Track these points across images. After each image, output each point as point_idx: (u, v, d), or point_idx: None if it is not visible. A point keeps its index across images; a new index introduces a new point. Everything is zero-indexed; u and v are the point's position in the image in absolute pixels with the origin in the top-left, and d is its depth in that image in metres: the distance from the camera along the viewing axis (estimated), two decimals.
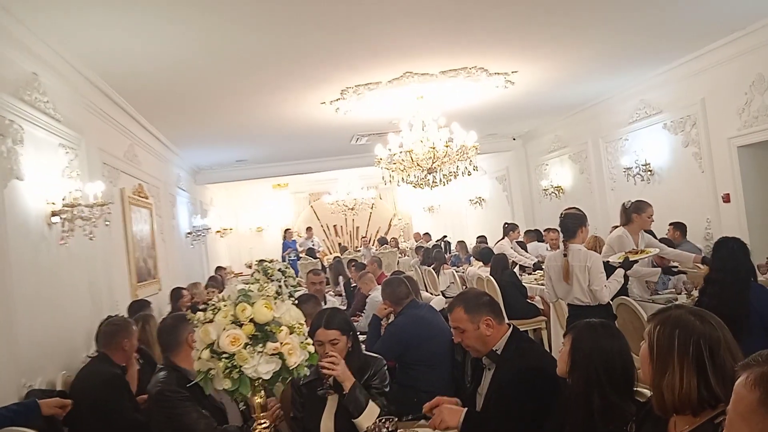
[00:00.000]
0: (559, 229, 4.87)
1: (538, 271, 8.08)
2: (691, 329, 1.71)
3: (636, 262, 4.87)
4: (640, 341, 1.85)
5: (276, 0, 4.05)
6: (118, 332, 3.66)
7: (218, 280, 9.06)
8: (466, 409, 2.49)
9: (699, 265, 5.14)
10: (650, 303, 4.95)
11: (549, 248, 8.38)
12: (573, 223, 4.61)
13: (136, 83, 5.52)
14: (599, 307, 4.41)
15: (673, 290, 5.37)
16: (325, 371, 2.60)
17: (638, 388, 2.19)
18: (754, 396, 1.18)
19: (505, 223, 10.36)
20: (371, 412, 2.62)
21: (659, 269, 5.34)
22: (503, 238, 10.00)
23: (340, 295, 7.90)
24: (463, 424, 2.43)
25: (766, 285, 4.74)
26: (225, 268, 11.62)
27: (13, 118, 3.78)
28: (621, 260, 4.74)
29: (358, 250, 14.58)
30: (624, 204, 5.39)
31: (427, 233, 14.73)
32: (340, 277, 8.68)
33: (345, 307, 6.88)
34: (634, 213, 5.24)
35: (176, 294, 6.58)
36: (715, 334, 1.71)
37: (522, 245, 9.68)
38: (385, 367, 2.90)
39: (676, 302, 4.75)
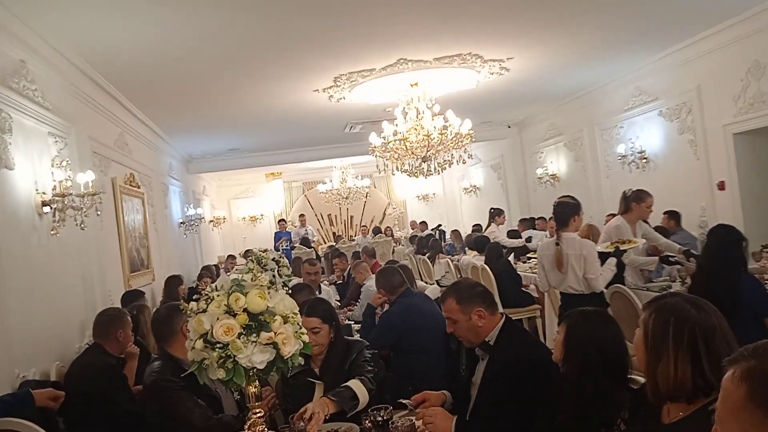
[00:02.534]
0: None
1: (532, 260, 8.09)
2: (686, 317, 1.71)
3: (625, 251, 4.86)
4: (635, 329, 1.84)
5: None
6: (111, 322, 3.65)
7: (212, 269, 9.05)
8: (455, 417, 2.47)
9: (683, 257, 5.14)
10: (645, 291, 4.96)
11: (548, 236, 8.38)
12: (565, 211, 4.61)
13: (125, 70, 5.45)
14: (592, 296, 4.42)
15: (668, 278, 5.38)
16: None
17: (632, 376, 2.19)
18: (742, 391, 1.17)
19: (491, 209, 10.42)
20: (360, 391, 2.62)
21: (656, 258, 5.34)
22: (489, 224, 10.06)
23: (335, 284, 7.90)
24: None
25: (761, 272, 4.77)
26: (235, 257, 11.53)
27: (0, 107, 3.73)
28: (611, 249, 4.74)
29: (353, 240, 14.57)
30: (625, 192, 5.36)
31: (423, 222, 14.73)
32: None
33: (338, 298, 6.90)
34: (633, 202, 5.21)
35: (175, 281, 6.54)
36: (710, 322, 1.71)
37: (516, 234, 9.70)
38: (367, 349, 2.94)
39: (671, 290, 4.76)
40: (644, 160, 8.11)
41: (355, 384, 2.64)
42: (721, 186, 6.81)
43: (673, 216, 6.84)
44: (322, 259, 11.84)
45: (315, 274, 6.03)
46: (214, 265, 10.64)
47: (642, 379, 1.99)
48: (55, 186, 4.20)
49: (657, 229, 5.83)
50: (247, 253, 4.30)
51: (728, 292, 3.58)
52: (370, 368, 2.79)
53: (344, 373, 2.76)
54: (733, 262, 3.82)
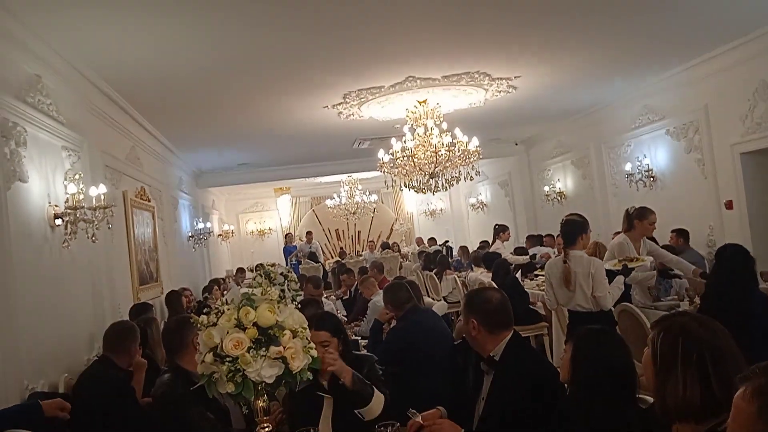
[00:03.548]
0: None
1: (539, 277, 8.07)
2: (694, 337, 1.71)
3: (633, 269, 4.85)
4: (643, 348, 1.84)
5: (279, 4, 4.07)
6: (127, 336, 3.69)
7: (220, 282, 9.09)
8: (463, 430, 2.48)
9: (698, 278, 5.11)
10: (652, 310, 4.94)
11: (556, 253, 8.37)
12: (573, 229, 4.61)
13: (138, 86, 5.53)
14: (600, 314, 4.40)
15: (676, 297, 5.36)
16: (325, 367, 2.62)
17: (641, 395, 2.19)
18: (753, 408, 1.18)
19: (496, 225, 10.42)
20: (378, 398, 2.64)
21: (655, 272, 5.32)
22: (494, 241, 10.06)
23: (340, 299, 7.90)
24: None
25: None
26: (245, 271, 11.56)
27: (16, 120, 3.79)
28: (619, 267, 4.74)
29: (360, 255, 14.58)
30: (627, 210, 5.37)
31: (432, 238, 14.72)
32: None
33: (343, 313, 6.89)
34: (636, 219, 5.21)
35: (175, 297, 6.59)
36: (718, 341, 1.71)
37: (523, 251, 9.69)
38: (376, 365, 2.94)
39: (679, 309, 4.74)
40: (651, 179, 8.11)
41: (377, 392, 2.69)
42: (729, 205, 6.79)
43: (681, 234, 6.83)
44: (330, 273, 11.85)
45: (318, 296, 6.04)
46: (222, 278, 10.68)
47: (651, 399, 1.98)
48: (67, 199, 4.25)
49: (665, 247, 5.81)
50: (257, 268, 4.33)
51: (739, 311, 3.57)
52: (384, 388, 2.80)
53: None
54: (743, 281, 3.81)
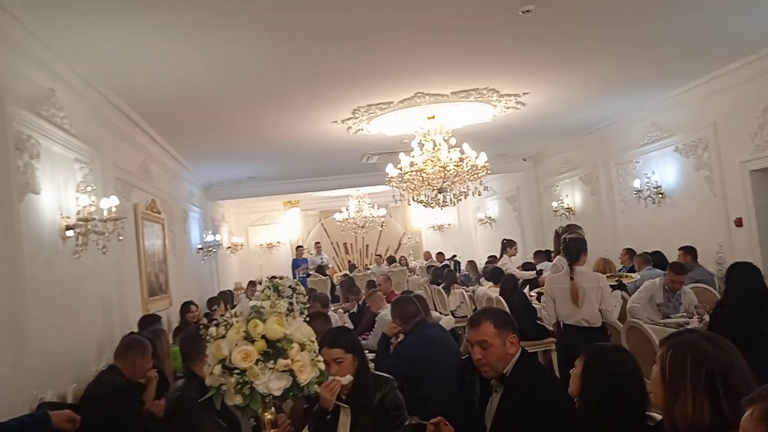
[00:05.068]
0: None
1: None
2: (703, 354, 1.71)
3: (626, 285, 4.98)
4: (651, 365, 1.84)
5: (290, 20, 4.13)
6: (134, 346, 3.73)
7: (227, 295, 9.11)
8: None
9: None
10: (661, 327, 4.92)
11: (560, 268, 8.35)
12: (578, 247, 4.74)
13: (150, 99, 5.60)
14: (597, 329, 4.50)
15: (685, 314, 5.33)
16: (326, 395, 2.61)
17: (650, 413, 2.18)
18: None
19: (503, 240, 10.40)
20: None
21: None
22: (502, 256, 10.03)
23: (347, 312, 7.89)
24: None
25: None
26: (256, 284, 11.56)
27: (30, 133, 3.84)
28: (614, 282, 4.85)
29: (368, 268, 14.57)
30: (557, 230, 5.53)
31: (440, 252, 14.71)
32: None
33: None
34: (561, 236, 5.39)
35: (184, 308, 6.65)
36: (728, 359, 1.70)
37: (531, 266, 9.66)
38: (398, 390, 2.88)
39: (688, 326, 4.72)
40: (660, 196, 8.08)
41: None
42: (739, 222, 6.76)
43: (689, 251, 6.79)
44: (338, 287, 11.86)
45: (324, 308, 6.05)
46: (228, 290, 10.70)
47: (659, 417, 1.98)
48: (79, 211, 4.29)
49: (674, 264, 5.80)
50: (272, 279, 4.37)
51: (754, 329, 3.56)
52: (398, 424, 2.77)
53: (373, 408, 2.73)
54: (757, 299, 3.81)
